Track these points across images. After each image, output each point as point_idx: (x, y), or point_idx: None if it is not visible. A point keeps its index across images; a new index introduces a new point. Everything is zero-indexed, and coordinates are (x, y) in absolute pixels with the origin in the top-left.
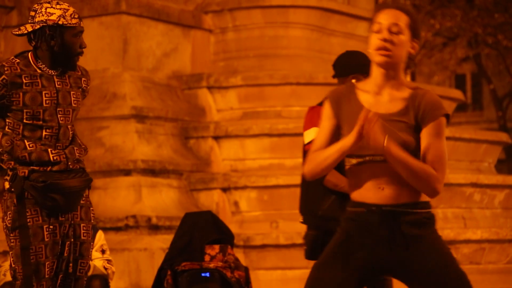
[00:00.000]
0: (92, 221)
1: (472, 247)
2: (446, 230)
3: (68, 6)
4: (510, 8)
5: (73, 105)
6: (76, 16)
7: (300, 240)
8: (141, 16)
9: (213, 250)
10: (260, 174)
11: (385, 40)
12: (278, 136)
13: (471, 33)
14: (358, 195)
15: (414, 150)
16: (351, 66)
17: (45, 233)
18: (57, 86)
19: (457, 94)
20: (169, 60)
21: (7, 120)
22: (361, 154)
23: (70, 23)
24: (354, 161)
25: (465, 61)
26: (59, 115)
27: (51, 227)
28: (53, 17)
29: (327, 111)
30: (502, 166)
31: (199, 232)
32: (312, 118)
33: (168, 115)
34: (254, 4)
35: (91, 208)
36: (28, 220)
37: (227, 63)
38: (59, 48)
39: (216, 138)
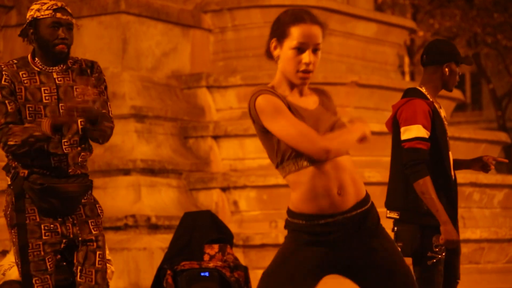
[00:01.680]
0: (100, 216)
1: (471, 246)
2: None
3: (54, 0)
4: (510, 8)
5: (78, 99)
6: (53, 8)
7: None
8: (140, 15)
9: (213, 249)
10: (260, 174)
11: (309, 64)
12: None
13: (471, 32)
14: (313, 205)
15: None
16: (448, 54)
17: (43, 231)
18: (57, 82)
19: (456, 93)
20: (169, 59)
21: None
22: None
23: (43, 15)
24: (305, 163)
25: None
26: (61, 111)
27: (51, 226)
28: (31, 12)
29: (281, 102)
30: (501, 166)
31: (199, 231)
32: (416, 112)
33: (168, 114)
34: (254, 3)
35: (97, 205)
36: (25, 218)
37: (226, 63)
38: (38, 41)
39: (216, 137)
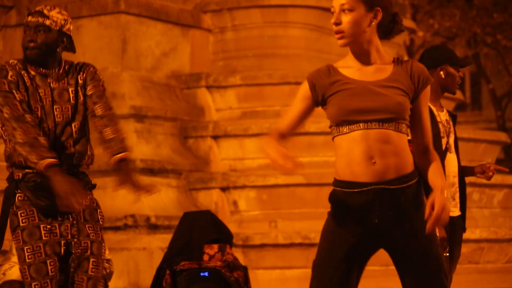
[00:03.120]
0: (99, 222)
1: (471, 246)
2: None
3: (42, 6)
4: (509, 8)
5: (72, 101)
6: (32, 11)
7: (298, 240)
8: (140, 15)
9: (212, 249)
10: (259, 174)
11: (335, 23)
12: None
13: (470, 33)
14: (348, 171)
15: (406, 112)
16: (440, 57)
17: (43, 232)
18: (52, 85)
19: (456, 93)
20: (168, 59)
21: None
22: (355, 119)
23: (24, 21)
24: (345, 129)
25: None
26: (56, 113)
27: (48, 226)
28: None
29: (304, 91)
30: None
31: (198, 231)
32: None
33: (167, 114)
34: (253, 3)
35: (98, 210)
36: (23, 220)
37: (226, 63)
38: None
39: (215, 137)
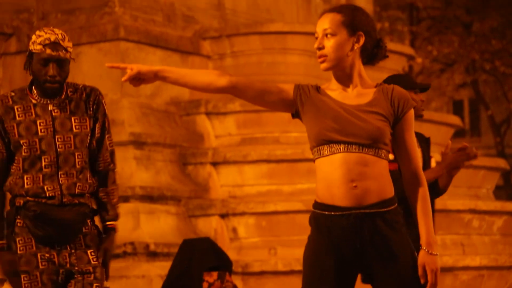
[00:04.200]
0: (101, 246)
1: (471, 274)
2: (444, 257)
3: (51, 32)
4: (507, 35)
5: (75, 130)
6: (45, 43)
7: (298, 267)
8: (139, 42)
9: (211, 277)
10: (258, 200)
11: (318, 48)
12: (276, 162)
13: (469, 59)
14: (327, 194)
15: (385, 137)
16: (399, 85)
17: (39, 260)
18: (53, 113)
19: (455, 120)
20: (167, 86)
21: (14, 158)
22: (335, 140)
23: (35, 49)
24: (326, 151)
25: (462, 87)
26: (57, 143)
27: (46, 255)
28: (30, 43)
29: (287, 87)
30: (500, 192)
31: (197, 259)
32: None
33: (167, 141)
34: (252, 30)
35: (100, 236)
36: (20, 247)
37: None
38: (32, 75)
39: (214, 164)
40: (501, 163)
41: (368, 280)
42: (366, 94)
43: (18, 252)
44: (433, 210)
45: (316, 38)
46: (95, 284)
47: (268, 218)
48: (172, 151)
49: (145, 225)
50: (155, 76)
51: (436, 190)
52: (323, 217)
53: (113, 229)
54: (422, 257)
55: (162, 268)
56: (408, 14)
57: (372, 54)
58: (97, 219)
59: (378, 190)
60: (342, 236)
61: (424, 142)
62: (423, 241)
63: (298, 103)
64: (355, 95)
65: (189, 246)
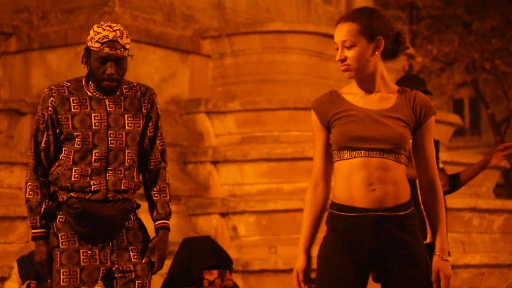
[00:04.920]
0: (145, 242)
1: (471, 272)
2: None
3: (109, 29)
4: (507, 34)
5: (127, 127)
6: (103, 40)
7: None
8: (139, 41)
9: (212, 275)
10: (259, 199)
11: (340, 60)
12: (276, 161)
13: (469, 58)
14: (347, 196)
15: (406, 143)
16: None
17: (82, 257)
18: (108, 108)
19: (455, 119)
20: (168, 85)
21: (63, 149)
22: (356, 147)
23: (93, 47)
24: (346, 155)
25: (462, 86)
26: (109, 138)
27: (88, 252)
28: (87, 38)
29: (315, 121)
30: (500, 191)
31: (198, 257)
32: None
33: (167, 140)
34: (252, 29)
35: (143, 230)
36: (63, 242)
37: (225, 88)
38: (89, 71)
39: (215, 163)
40: (501, 161)
41: (379, 280)
42: (389, 98)
43: (61, 246)
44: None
45: (336, 49)
46: (137, 282)
47: (268, 217)
48: (172, 150)
49: (145, 223)
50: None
51: (456, 183)
52: (341, 218)
53: (164, 228)
54: (436, 262)
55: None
56: (408, 13)
57: (393, 51)
58: (147, 217)
59: (396, 194)
60: (358, 237)
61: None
62: (437, 247)
63: (323, 122)
64: (377, 99)
65: (189, 244)
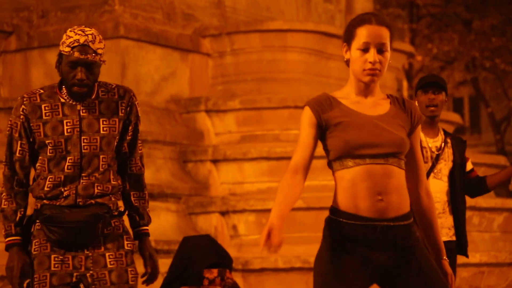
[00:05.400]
0: (126, 247)
1: (471, 270)
2: None
3: (80, 33)
4: (507, 32)
5: (102, 132)
6: (73, 45)
7: (298, 264)
8: (139, 40)
9: (212, 274)
10: (259, 198)
11: (374, 63)
12: (276, 159)
13: (469, 57)
14: (352, 205)
15: (407, 147)
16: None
17: (52, 262)
18: (81, 114)
19: (455, 117)
20: (167, 84)
21: (39, 157)
22: (360, 154)
23: (64, 51)
24: (350, 163)
25: (462, 84)
26: (83, 144)
27: (60, 257)
28: (60, 43)
29: (309, 118)
30: (500, 190)
31: (198, 256)
32: None
33: (166, 139)
34: (252, 28)
35: (125, 236)
36: (35, 248)
37: (225, 87)
38: (61, 76)
39: (215, 161)
40: (501, 160)
41: None
42: (382, 104)
43: (33, 253)
44: (465, 207)
45: (366, 49)
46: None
47: (268, 216)
48: (172, 149)
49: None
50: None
51: (483, 188)
52: (346, 225)
53: (147, 234)
54: (448, 267)
55: (162, 265)
56: (408, 11)
57: None
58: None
59: (400, 203)
60: (368, 246)
61: (461, 145)
62: (443, 252)
63: (319, 121)
64: (372, 105)
65: (189, 243)
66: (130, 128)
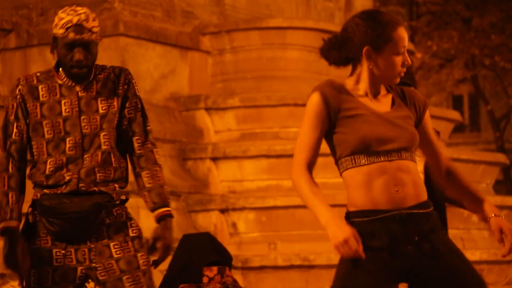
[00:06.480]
0: (130, 234)
1: None
2: None
3: (72, 13)
4: (507, 30)
5: (101, 111)
6: (67, 26)
7: (298, 261)
8: (138, 38)
9: (211, 271)
10: (258, 195)
11: (408, 65)
12: (276, 157)
13: (468, 54)
14: (368, 200)
15: (418, 141)
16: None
17: (54, 257)
18: (79, 94)
19: (455, 115)
20: (167, 81)
21: (32, 143)
22: (376, 150)
23: (57, 33)
24: (363, 161)
25: (462, 82)
26: (83, 124)
27: (62, 251)
28: (52, 26)
29: (318, 107)
30: (500, 187)
31: (197, 253)
32: None
33: (166, 136)
34: (252, 25)
35: (129, 222)
36: (35, 242)
37: (224, 85)
38: (58, 59)
39: (214, 159)
40: (501, 158)
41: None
42: (386, 97)
43: (32, 247)
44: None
45: (402, 53)
46: (124, 277)
47: (268, 213)
48: (171, 147)
49: (145, 220)
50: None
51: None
52: (365, 223)
53: (167, 216)
54: (497, 222)
55: (162, 263)
56: (407, 9)
57: None
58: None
59: (416, 194)
60: (391, 239)
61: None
62: (492, 209)
63: (328, 112)
64: (378, 101)
65: (189, 241)
66: (128, 105)
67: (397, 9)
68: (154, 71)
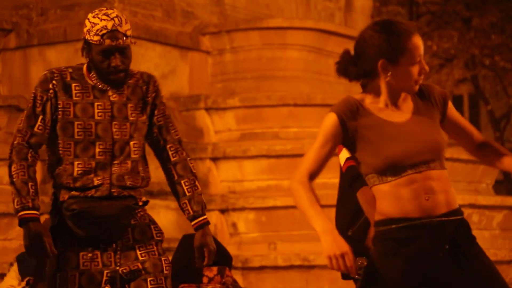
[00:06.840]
0: (155, 238)
1: None
2: None
3: (106, 18)
4: (507, 30)
5: (131, 118)
6: (102, 32)
7: (298, 262)
8: (138, 38)
9: (211, 272)
10: (258, 196)
11: (425, 73)
12: (276, 157)
13: (468, 54)
14: (397, 209)
15: (445, 146)
16: None
17: (81, 260)
18: (111, 98)
19: None
20: (167, 81)
21: (58, 141)
22: (401, 166)
23: (92, 40)
24: (390, 178)
25: (462, 82)
26: (114, 129)
27: (89, 255)
28: (84, 30)
29: (332, 127)
30: (500, 187)
31: None
32: None
33: None
34: (252, 25)
35: (152, 226)
36: (61, 244)
37: (224, 85)
38: (92, 63)
39: (214, 159)
40: None
41: None
42: (407, 101)
43: (58, 248)
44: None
45: (418, 62)
46: (149, 279)
47: (268, 213)
48: None
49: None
50: None
51: None
52: (394, 231)
53: (205, 224)
54: None
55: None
56: (407, 9)
57: None
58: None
59: (447, 201)
60: (421, 247)
61: None
62: None
63: (345, 133)
64: (399, 108)
65: (189, 241)
66: (157, 112)
67: (397, 9)
68: (154, 71)
